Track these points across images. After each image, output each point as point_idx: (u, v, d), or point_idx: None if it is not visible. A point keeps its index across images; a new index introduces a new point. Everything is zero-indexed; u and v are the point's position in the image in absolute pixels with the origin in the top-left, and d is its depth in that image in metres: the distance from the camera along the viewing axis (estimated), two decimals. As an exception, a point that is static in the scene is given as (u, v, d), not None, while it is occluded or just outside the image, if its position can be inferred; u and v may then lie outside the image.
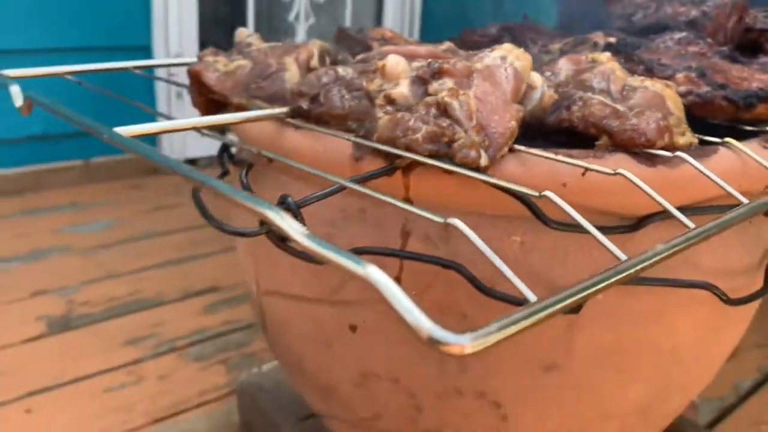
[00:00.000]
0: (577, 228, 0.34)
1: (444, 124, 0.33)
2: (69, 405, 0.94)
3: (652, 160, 0.35)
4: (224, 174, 0.46)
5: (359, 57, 0.46)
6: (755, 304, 0.44)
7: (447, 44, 0.49)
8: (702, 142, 0.38)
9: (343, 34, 0.55)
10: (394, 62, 0.36)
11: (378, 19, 2.23)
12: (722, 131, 0.43)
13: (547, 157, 0.33)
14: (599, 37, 0.51)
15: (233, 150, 0.49)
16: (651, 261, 0.25)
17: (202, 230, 1.57)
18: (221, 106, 0.47)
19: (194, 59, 0.47)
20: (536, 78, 0.38)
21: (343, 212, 0.39)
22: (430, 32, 2.20)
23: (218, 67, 0.44)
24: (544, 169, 0.34)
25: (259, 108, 0.42)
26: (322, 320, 0.42)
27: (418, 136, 0.33)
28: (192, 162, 1.96)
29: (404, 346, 0.40)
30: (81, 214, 1.64)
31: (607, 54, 0.43)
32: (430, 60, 0.37)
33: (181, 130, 0.36)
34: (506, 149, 0.34)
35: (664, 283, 0.37)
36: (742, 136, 0.42)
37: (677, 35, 0.49)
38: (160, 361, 1.06)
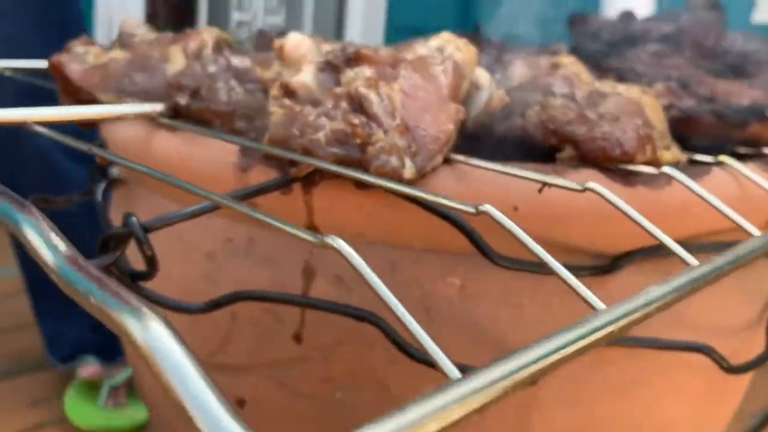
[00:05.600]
0: (532, 265, 0.25)
1: (356, 121, 0.24)
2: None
3: (629, 179, 0.26)
4: (87, 193, 0.36)
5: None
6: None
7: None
8: (690, 162, 0.30)
9: (262, 39, 0.47)
10: (296, 42, 0.27)
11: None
12: (711, 153, 0.35)
13: (491, 170, 0.25)
14: (561, 47, 0.43)
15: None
16: (642, 311, 0.16)
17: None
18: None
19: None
20: (482, 76, 0.30)
21: (228, 243, 0.29)
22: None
23: (86, 59, 0.35)
24: (488, 187, 0.25)
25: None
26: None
27: (320, 135, 0.24)
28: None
29: (308, 425, 0.30)
30: None
31: (571, 58, 0.35)
32: (344, 44, 0.28)
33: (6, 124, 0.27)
34: (440, 158, 0.26)
35: (650, 345, 0.28)
36: (734, 158, 0.34)
37: (652, 47, 0.42)
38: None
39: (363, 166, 0.24)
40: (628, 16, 0.54)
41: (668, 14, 0.53)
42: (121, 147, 0.32)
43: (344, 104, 0.25)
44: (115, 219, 0.34)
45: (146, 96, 0.33)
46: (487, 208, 0.20)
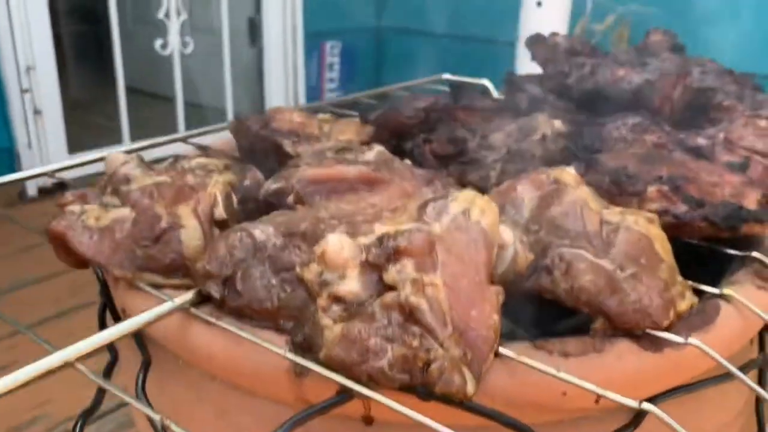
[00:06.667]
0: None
1: (415, 343, 0.25)
2: None
3: (657, 345, 0.29)
4: (111, 365, 0.35)
5: (274, 187, 0.36)
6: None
7: (376, 149, 0.41)
8: (695, 291, 0.33)
9: (242, 127, 0.45)
10: (337, 248, 0.27)
11: (257, 9, 2.08)
12: (700, 252, 0.38)
13: (547, 374, 0.26)
14: (545, 123, 0.44)
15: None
16: None
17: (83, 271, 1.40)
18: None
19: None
20: (506, 234, 0.31)
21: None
22: (311, 19, 2.08)
23: (88, 223, 0.33)
24: (538, 379, 0.27)
25: (151, 285, 0.32)
26: None
27: (384, 362, 0.25)
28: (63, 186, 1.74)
29: None
30: (-70, 266, 1.41)
31: (571, 172, 0.36)
32: (380, 234, 0.28)
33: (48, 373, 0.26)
34: (492, 357, 0.27)
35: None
36: (723, 261, 0.37)
37: (630, 120, 0.44)
38: (50, 454, 0.92)
39: (427, 386, 0.25)
40: (588, 46, 0.55)
41: (632, 51, 0.55)
42: (153, 335, 0.32)
43: (396, 315, 0.26)
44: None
45: (165, 270, 0.32)
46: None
